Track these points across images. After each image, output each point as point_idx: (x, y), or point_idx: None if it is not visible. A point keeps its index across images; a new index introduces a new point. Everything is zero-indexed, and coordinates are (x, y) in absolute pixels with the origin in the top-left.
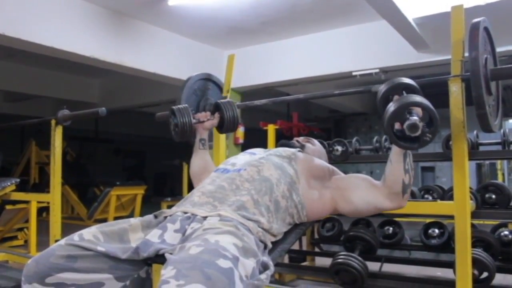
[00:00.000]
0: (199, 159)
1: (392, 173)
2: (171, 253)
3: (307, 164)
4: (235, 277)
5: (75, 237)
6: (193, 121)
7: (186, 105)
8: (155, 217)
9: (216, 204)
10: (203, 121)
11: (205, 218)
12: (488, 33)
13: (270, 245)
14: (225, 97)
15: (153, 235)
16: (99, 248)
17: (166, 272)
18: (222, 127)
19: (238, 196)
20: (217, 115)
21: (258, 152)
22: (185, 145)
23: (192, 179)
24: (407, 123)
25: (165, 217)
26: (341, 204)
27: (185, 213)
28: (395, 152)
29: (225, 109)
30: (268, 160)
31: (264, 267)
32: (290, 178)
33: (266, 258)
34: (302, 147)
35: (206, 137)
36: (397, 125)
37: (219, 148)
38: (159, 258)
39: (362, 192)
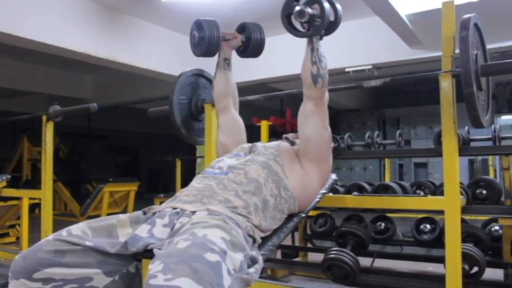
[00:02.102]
0: (223, 78)
1: (302, 67)
2: (159, 248)
3: (292, 152)
4: (223, 270)
5: (63, 232)
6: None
7: (214, 19)
8: (144, 213)
9: (205, 201)
10: (229, 39)
11: (193, 213)
12: (479, 29)
13: (259, 240)
14: None
15: (142, 230)
16: (87, 243)
17: (154, 266)
18: (247, 49)
19: (226, 195)
20: (242, 35)
21: (243, 152)
22: (179, 142)
23: (215, 101)
24: (294, 10)
25: (154, 213)
26: (304, 153)
27: (174, 208)
28: (305, 50)
29: (253, 30)
30: (254, 162)
31: (253, 261)
32: (277, 176)
33: (255, 253)
34: (292, 144)
35: (230, 57)
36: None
37: (211, 143)
38: (148, 253)
39: (299, 125)
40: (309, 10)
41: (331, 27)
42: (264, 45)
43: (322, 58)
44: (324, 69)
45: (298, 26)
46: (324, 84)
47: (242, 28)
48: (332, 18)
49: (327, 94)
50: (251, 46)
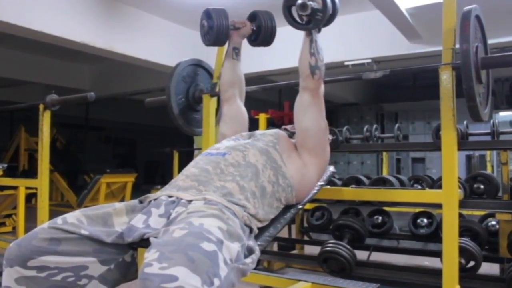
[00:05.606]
0: (231, 68)
1: (300, 58)
2: (155, 237)
3: (290, 142)
4: (219, 260)
5: (59, 220)
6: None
7: (223, 8)
8: (140, 202)
9: (201, 188)
10: (239, 28)
11: (190, 202)
12: (480, 21)
13: (256, 230)
14: (214, 84)
15: (138, 220)
16: (83, 232)
17: (150, 255)
18: (257, 38)
19: (223, 181)
20: (252, 24)
21: (243, 137)
22: (176, 133)
23: (221, 90)
24: (297, 3)
25: (150, 202)
26: (303, 144)
27: (170, 197)
28: (303, 40)
29: (263, 18)
30: (253, 146)
31: (249, 252)
32: (276, 163)
33: (251, 243)
34: (291, 135)
35: (240, 47)
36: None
37: (209, 133)
38: (144, 242)
39: (296, 117)
40: (311, 3)
41: (329, 19)
42: (275, 34)
43: (320, 50)
44: (321, 61)
45: (297, 17)
46: (321, 76)
47: (253, 17)
48: (330, 11)
49: (323, 86)
50: (262, 35)
